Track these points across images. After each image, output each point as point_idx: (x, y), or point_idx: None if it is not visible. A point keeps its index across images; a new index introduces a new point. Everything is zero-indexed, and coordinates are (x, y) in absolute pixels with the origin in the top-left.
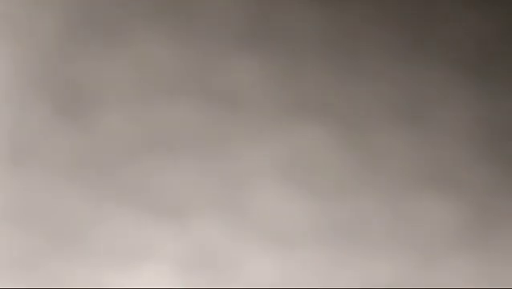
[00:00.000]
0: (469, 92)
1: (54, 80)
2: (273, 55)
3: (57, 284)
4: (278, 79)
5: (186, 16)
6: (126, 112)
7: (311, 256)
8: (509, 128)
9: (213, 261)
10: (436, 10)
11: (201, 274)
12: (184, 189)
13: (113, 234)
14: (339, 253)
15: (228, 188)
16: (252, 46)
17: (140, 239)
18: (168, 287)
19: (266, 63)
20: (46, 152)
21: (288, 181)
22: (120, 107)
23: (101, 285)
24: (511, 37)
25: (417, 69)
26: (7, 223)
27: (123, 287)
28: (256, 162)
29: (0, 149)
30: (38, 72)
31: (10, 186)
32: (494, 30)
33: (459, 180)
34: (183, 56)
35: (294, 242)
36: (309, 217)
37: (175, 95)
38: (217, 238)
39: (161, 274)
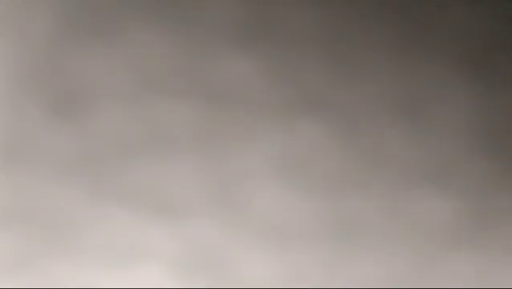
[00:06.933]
0: (469, 90)
1: (50, 80)
2: (271, 55)
3: (53, 284)
4: (276, 78)
5: (183, 14)
6: (121, 112)
7: (310, 256)
8: (508, 127)
9: (211, 261)
10: (436, 6)
11: (198, 273)
12: (182, 188)
13: (110, 233)
14: (338, 253)
15: (225, 187)
16: (250, 45)
17: (136, 239)
18: (166, 287)
19: (264, 62)
20: (40, 152)
21: (286, 180)
22: (116, 107)
23: (98, 285)
24: (510, 36)
25: (416, 66)
26: (1, 223)
27: (121, 287)
28: (254, 161)
29: None
30: (31, 72)
31: (4, 186)
32: (494, 27)
33: (459, 178)
34: (179, 56)
35: (292, 241)
36: (307, 217)
37: (171, 94)
38: (215, 238)
39: (159, 274)
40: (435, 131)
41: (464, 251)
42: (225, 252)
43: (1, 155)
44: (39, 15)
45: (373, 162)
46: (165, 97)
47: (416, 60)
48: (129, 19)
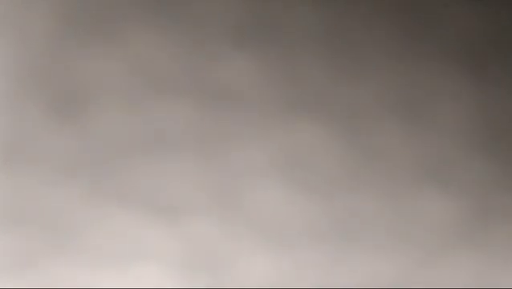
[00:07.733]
0: (468, 90)
1: (50, 80)
2: (271, 54)
3: (53, 284)
4: (276, 78)
5: (183, 14)
6: (121, 112)
7: (310, 255)
8: (508, 125)
9: (212, 261)
10: (435, 6)
11: (198, 273)
12: (182, 188)
13: (110, 233)
14: (338, 252)
15: (226, 187)
16: (250, 45)
17: (136, 239)
18: (165, 287)
19: (263, 62)
20: (40, 152)
21: (286, 179)
22: (116, 107)
23: (98, 285)
24: (509, 34)
25: (417, 64)
26: (1, 223)
27: (121, 287)
28: (254, 161)
29: None
30: (31, 72)
31: (4, 186)
32: (495, 25)
33: (458, 177)
34: (179, 55)
35: (292, 241)
36: (308, 216)
37: (171, 94)
38: (216, 238)
39: (159, 274)
40: (436, 128)
41: (465, 248)
42: (225, 252)
43: (1, 155)
44: (39, 15)
45: (374, 160)
46: (165, 97)
47: (417, 58)
48: (129, 19)
